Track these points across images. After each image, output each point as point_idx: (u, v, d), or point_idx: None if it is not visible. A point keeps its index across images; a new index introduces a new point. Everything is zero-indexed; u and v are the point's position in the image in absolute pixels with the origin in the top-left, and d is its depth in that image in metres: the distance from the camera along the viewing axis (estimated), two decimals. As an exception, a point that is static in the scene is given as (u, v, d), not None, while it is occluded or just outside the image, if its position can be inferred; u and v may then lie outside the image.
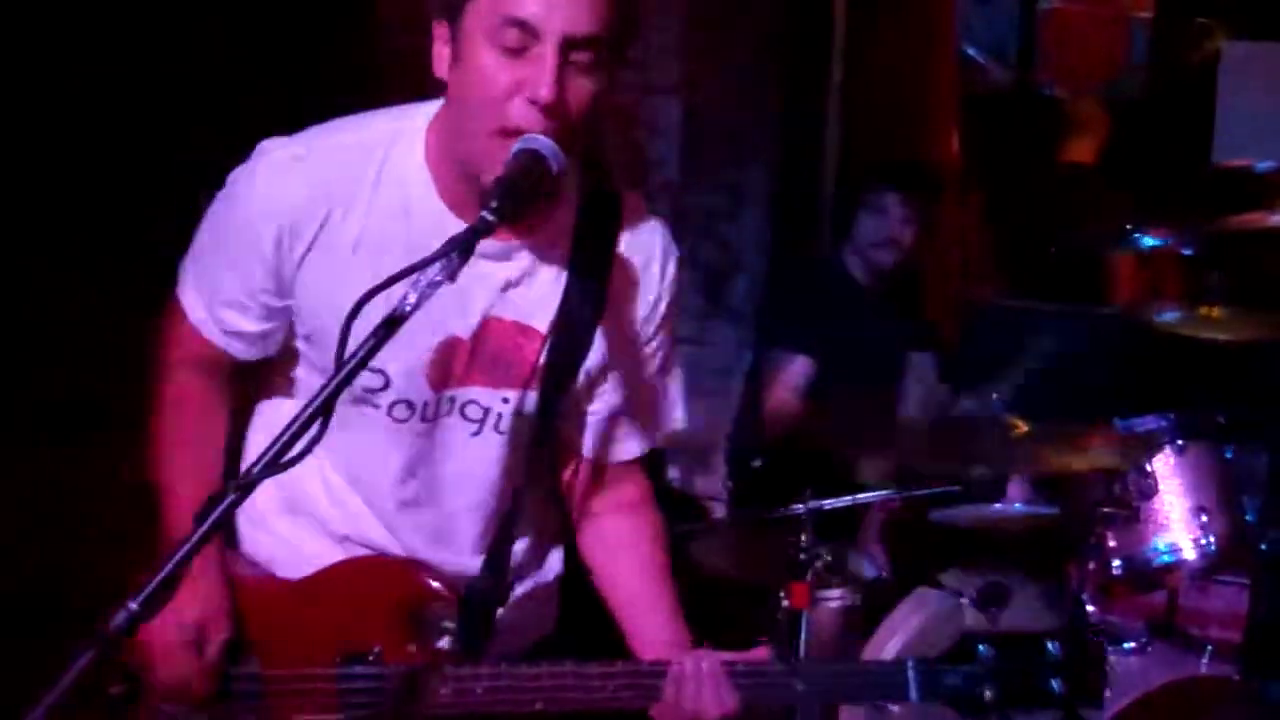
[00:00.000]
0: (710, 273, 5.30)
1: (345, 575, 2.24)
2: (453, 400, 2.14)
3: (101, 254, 3.52)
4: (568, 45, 1.86)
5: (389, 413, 2.13)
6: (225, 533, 2.24)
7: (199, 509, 1.60)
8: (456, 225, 1.95)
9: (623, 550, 2.34)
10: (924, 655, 2.23)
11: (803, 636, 3.42)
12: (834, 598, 3.76)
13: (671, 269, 2.23)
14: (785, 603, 3.45)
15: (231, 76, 3.80)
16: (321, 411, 1.65)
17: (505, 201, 1.79)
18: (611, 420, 2.29)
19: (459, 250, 1.73)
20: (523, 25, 1.85)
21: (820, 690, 2.31)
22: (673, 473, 4.92)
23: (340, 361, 1.68)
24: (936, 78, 5.78)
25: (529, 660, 2.17)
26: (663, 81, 5.04)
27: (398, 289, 1.71)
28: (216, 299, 2.15)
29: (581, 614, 2.41)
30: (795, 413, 4.33)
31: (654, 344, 2.27)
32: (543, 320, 2.12)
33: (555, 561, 2.41)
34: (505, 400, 2.15)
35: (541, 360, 2.12)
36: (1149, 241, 4.87)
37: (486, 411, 2.16)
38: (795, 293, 4.78)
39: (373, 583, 2.22)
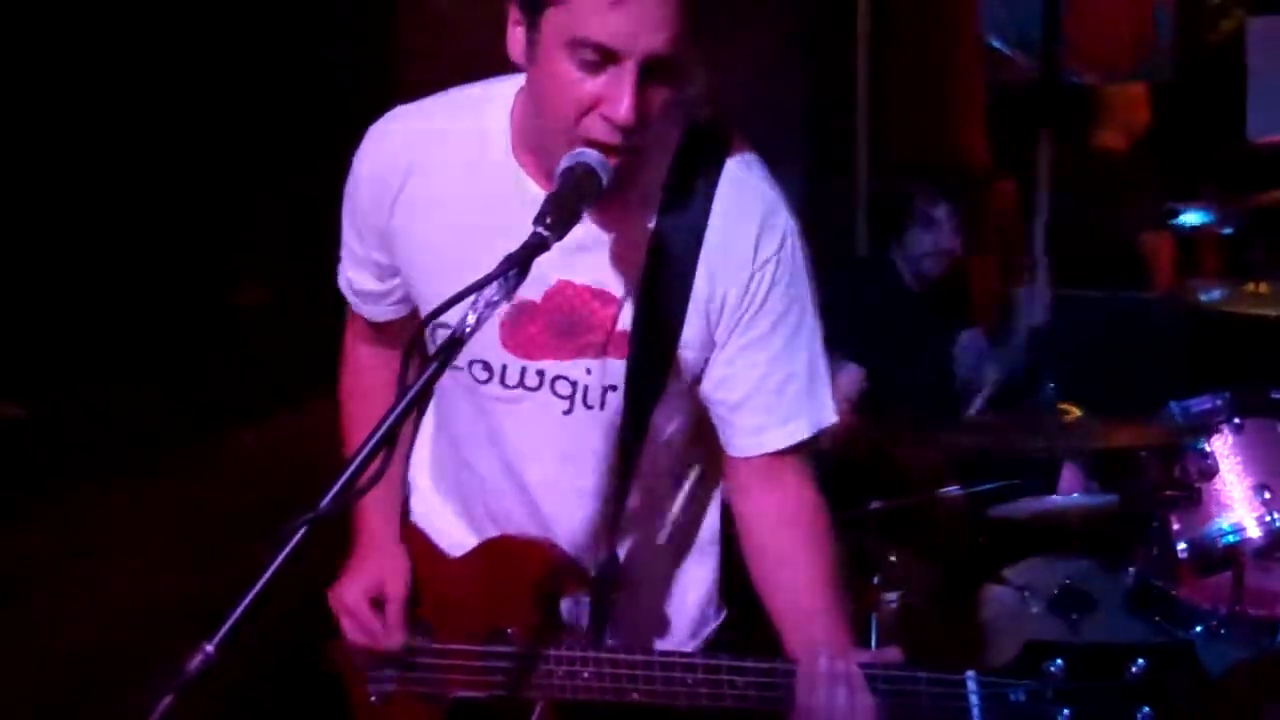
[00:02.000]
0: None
1: (492, 553, 2.29)
2: (541, 374, 2.11)
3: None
4: (647, 67, 1.83)
5: (470, 371, 2.15)
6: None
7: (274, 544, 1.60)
8: (536, 192, 1.97)
9: (779, 564, 2.15)
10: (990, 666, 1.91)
11: (873, 642, 3.38)
12: (895, 600, 3.72)
13: (777, 239, 2.06)
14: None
15: (254, 75, 3.83)
16: (386, 441, 1.65)
17: (556, 216, 1.78)
18: (744, 409, 2.13)
19: (516, 268, 1.73)
20: (602, 48, 1.82)
21: (885, 699, 1.94)
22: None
23: (403, 385, 1.68)
24: (961, 71, 5.76)
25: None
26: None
27: (456, 310, 1.73)
28: (348, 261, 2.29)
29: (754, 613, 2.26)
30: (850, 422, 4.29)
31: (769, 322, 2.08)
32: (621, 285, 2.06)
33: (691, 551, 2.37)
34: (588, 371, 2.09)
35: (620, 327, 2.06)
36: (1193, 219, 4.86)
37: (574, 386, 2.11)
38: (840, 298, 4.74)
39: (514, 562, 2.24)
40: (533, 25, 1.88)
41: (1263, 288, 4.17)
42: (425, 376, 1.70)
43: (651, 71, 1.84)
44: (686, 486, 2.32)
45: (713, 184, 2.05)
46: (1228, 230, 5.51)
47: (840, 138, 5.42)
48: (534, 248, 1.76)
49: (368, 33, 4.31)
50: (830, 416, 2.15)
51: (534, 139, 2.00)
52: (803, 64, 5.35)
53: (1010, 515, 3.93)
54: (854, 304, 4.59)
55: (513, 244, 1.80)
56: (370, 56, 4.23)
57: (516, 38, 1.93)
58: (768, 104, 5.16)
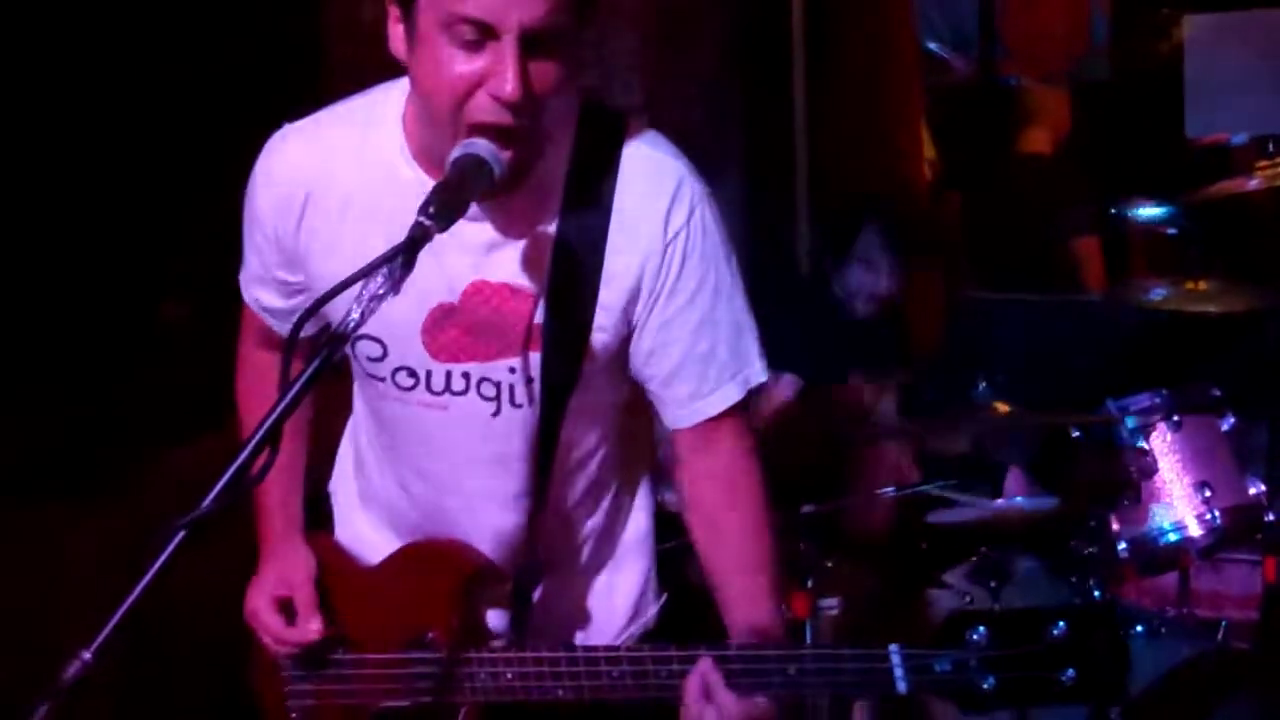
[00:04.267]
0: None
1: (410, 558, 2.27)
2: (466, 377, 2.09)
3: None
4: (527, 39, 1.80)
5: (393, 380, 2.12)
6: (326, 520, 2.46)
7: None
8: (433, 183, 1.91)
9: (711, 526, 2.17)
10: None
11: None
12: (834, 607, 3.67)
13: (685, 210, 2.03)
14: (786, 613, 3.36)
15: (178, 88, 3.77)
16: (269, 438, 1.62)
17: (440, 206, 1.75)
18: (675, 382, 2.12)
19: (400, 261, 1.70)
20: (477, 23, 1.79)
21: (809, 678, 1.94)
22: (665, 494, 4.83)
23: (285, 382, 1.64)
24: (899, 77, 5.73)
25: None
26: (625, 102, 4.98)
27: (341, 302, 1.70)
28: (249, 277, 2.27)
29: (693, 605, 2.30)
30: (785, 426, 4.26)
31: (688, 293, 2.06)
32: (535, 279, 2.03)
33: (620, 546, 2.34)
34: (512, 370, 2.07)
35: (537, 321, 2.04)
36: (1148, 213, 4.84)
37: (498, 386, 2.09)
38: (780, 317, 4.69)
39: (433, 565, 2.23)
40: (409, 15, 1.86)
41: (1203, 285, 4.13)
42: (308, 372, 1.67)
43: (534, 46, 1.81)
44: (612, 486, 2.30)
45: (614, 165, 2.03)
46: (1172, 231, 5.53)
47: (780, 152, 5.38)
48: (416, 239, 1.73)
49: (295, 46, 4.26)
50: (760, 374, 2.15)
51: (427, 138, 1.98)
52: (741, 79, 5.31)
53: (952, 520, 3.88)
54: (789, 324, 4.53)
55: (440, 249, 1.82)
56: (298, 69, 4.18)
57: (397, 34, 1.91)
58: (707, 121, 5.13)
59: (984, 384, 3.66)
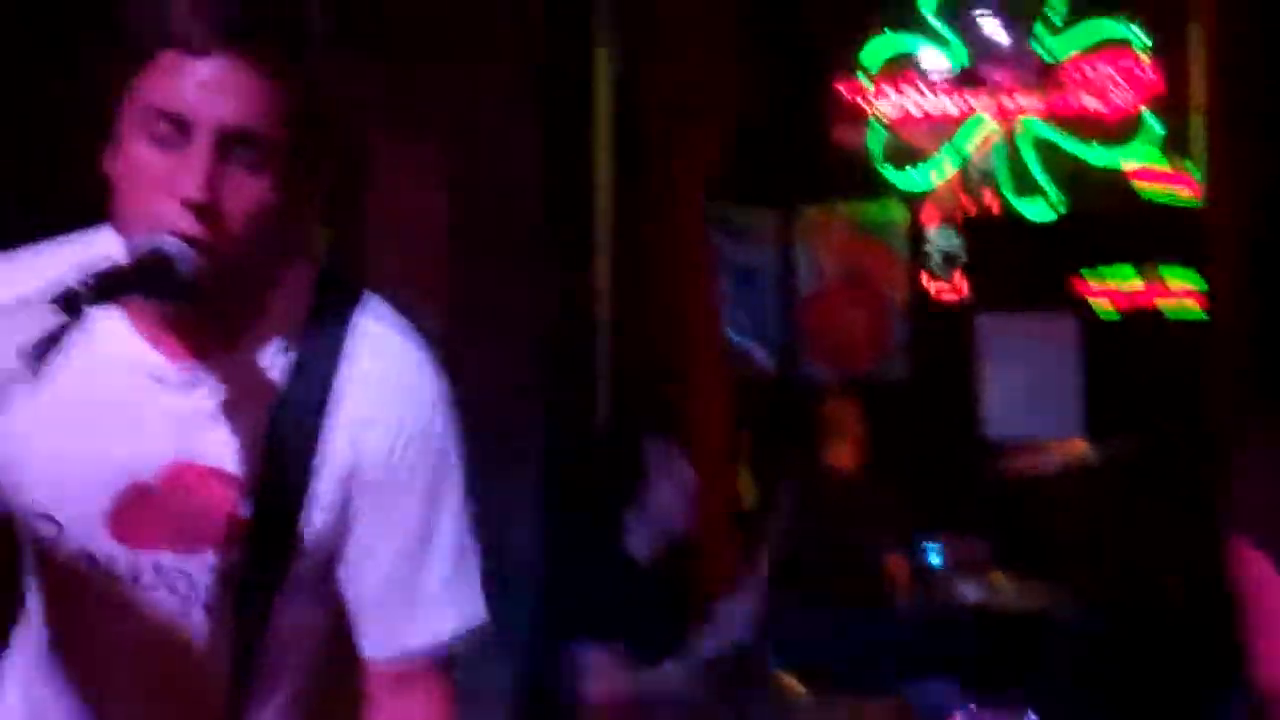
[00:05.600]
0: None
1: None
2: (157, 568, 1.78)
3: None
4: (224, 139, 1.60)
5: (69, 566, 1.79)
6: None
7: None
8: (140, 348, 1.69)
9: None
10: None
11: None
12: None
13: (418, 402, 1.81)
14: None
15: None
16: None
17: (103, 280, 1.49)
18: (377, 601, 1.83)
19: (42, 344, 1.42)
20: (173, 117, 1.59)
21: None
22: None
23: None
24: (704, 358, 5.71)
25: None
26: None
27: None
28: None
29: None
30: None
31: (412, 500, 1.81)
32: (242, 463, 1.76)
33: None
34: (209, 567, 1.77)
35: (241, 513, 1.76)
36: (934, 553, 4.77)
37: (191, 582, 1.78)
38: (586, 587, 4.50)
39: None
40: (116, 118, 1.65)
41: (999, 578, 4.08)
42: None
43: (236, 154, 1.61)
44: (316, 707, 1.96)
45: (344, 341, 1.79)
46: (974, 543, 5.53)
47: (581, 421, 5.27)
48: (65, 305, 1.44)
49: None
50: (477, 617, 1.85)
51: None
52: (544, 358, 5.24)
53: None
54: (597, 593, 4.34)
55: (118, 409, 1.61)
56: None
57: (108, 152, 1.69)
58: (507, 397, 5.03)
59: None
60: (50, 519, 1.77)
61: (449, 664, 1.85)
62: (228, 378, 1.73)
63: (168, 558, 1.78)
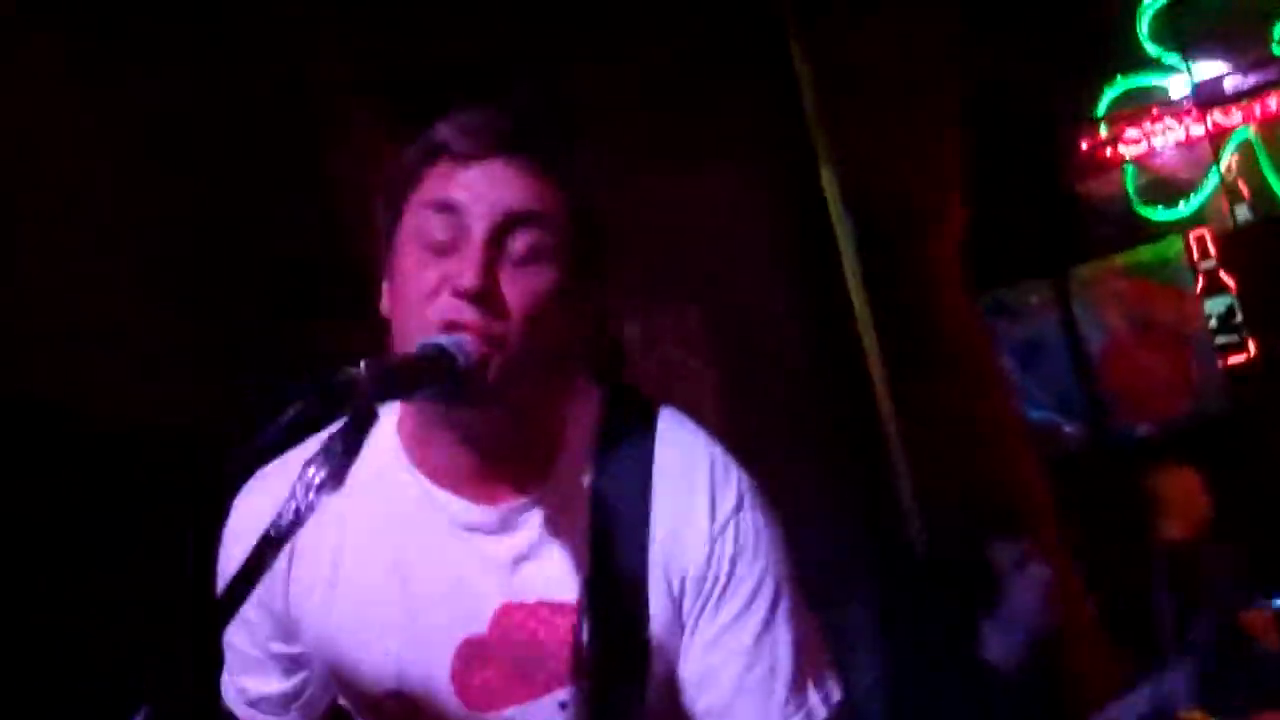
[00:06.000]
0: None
1: None
2: None
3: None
4: (498, 229, 1.60)
5: None
6: None
7: None
8: (444, 498, 1.70)
9: None
10: None
11: None
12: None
13: (733, 498, 1.74)
14: None
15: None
16: None
17: (385, 374, 1.45)
18: (733, 714, 1.72)
19: (339, 443, 1.46)
20: (449, 208, 1.61)
21: None
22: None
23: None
24: (1009, 447, 5.58)
25: None
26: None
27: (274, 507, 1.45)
28: (235, 668, 1.87)
29: None
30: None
31: (741, 600, 1.72)
32: (573, 588, 1.71)
33: None
34: (562, 705, 1.72)
35: (584, 638, 1.71)
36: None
37: None
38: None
39: None
40: (391, 239, 1.67)
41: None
42: (232, 586, 1.39)
43: (509, 244, 1.61)
44: None
45: (647, 448, 1.75)
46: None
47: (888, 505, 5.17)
48: (354, 407, 1.43)
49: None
50: (827, 706, 1.76)
51: (423, 431, 1.73)
52: (845, 487, 5.17)
53: None
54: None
55: (435, 567, 1.61)
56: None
57: (384, 290, 1.71)
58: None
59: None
60: (397, 696, 1.74)
61: None
62: (543, 507, 1.71)
63: (517, 711, 1.72)
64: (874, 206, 5.22)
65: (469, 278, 1.55)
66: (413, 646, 1.65)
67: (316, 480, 1.43)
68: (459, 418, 1.64)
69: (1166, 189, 6.80)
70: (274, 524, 1.41)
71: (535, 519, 1.70)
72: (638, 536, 1.70)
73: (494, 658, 1.71)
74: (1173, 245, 6.70)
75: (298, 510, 1.41)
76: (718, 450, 1.78)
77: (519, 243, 1.60)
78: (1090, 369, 6.47)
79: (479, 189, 1.60)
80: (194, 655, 1.38)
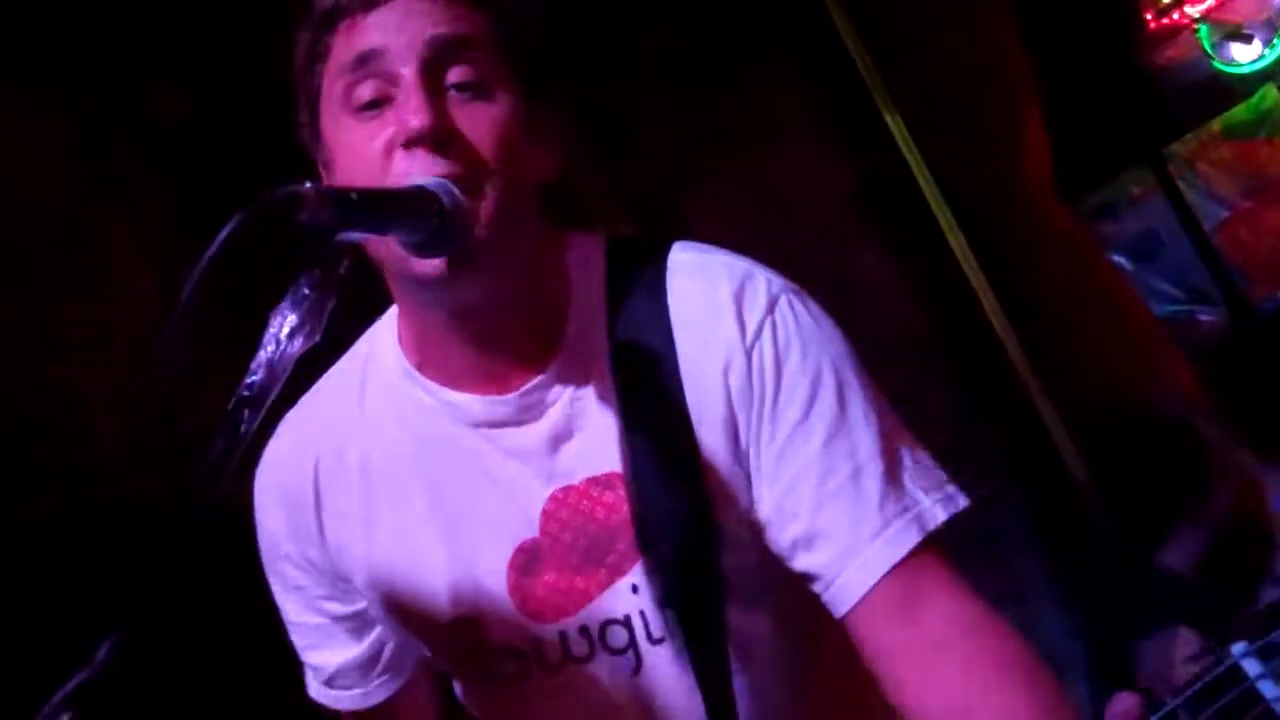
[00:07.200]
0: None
1: None
2: (585, 632, 1.58)
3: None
4: (430, 63, 1.45)
5: (499, 672, 1.62)
6: None
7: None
8: (459, 399, 1.57)
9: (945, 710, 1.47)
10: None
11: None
12: None
13: (762, 300, 1.56)
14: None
15: None
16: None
17: (344, 200, 1.27)
18: (819, 539, 1.51)
19: (306, 284, 1.23)
20: (368, 58, 1.46)
21: None
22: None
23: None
24: (1149, 351, 5.29)
25: None
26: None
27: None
28: (310, 649, 1.78)
29: None
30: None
31: (798, 407, 1.52)
32: (616, 456, 1.56)
33: None
34: (635, 589, 1.55)
35: (639, 504, 1.53)
36: None
37: (628, 623, 1.57)
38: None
39: None
40: (315, 125, 1.54)
41: None
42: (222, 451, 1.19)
43: (450, 78, 1.46)
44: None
45: (660, 287, 1.58)
46: None
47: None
48: (285, 203, 1.19)
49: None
50: (943, 509, 1.52)
51: (417, 328, 1.59)
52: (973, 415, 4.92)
53: None
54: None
55: (466, 477, 1.52)
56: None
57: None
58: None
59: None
60: (460, 626, 1.61)
61: (939, 567, 1.51)
62: (564, 377, 1.56)
63: (589, 610, 1.57)
64: (945, 144, 4.98)
65: (417, 117, 1.41)
66: (462, 567, 1.54)
67: (286, 329, 1.21)
68: (460, 306, 1.50)
69: (1245, 38, 6.45)
70: (246, 384, 1.19)
71: (558, 394, 1.55)
72: (669, 379, 1.52)
73: (552, 557, 1.56)
74: (1268, 95, 6.33)
75: (271, 364, 1.19)
76: (737, 261, 1.60)
77: (457, 73, 1.46)
78: (1214, 248, 6.16)
79: (393, 27, 1.44)
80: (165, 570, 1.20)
